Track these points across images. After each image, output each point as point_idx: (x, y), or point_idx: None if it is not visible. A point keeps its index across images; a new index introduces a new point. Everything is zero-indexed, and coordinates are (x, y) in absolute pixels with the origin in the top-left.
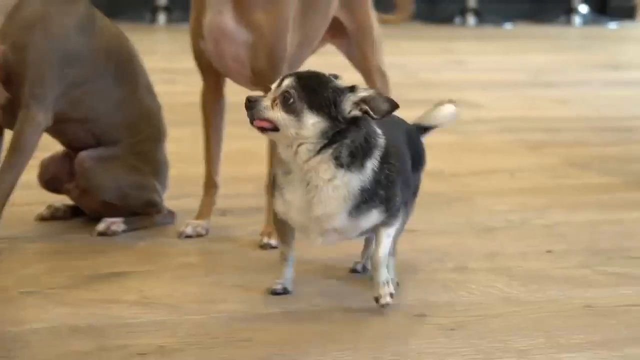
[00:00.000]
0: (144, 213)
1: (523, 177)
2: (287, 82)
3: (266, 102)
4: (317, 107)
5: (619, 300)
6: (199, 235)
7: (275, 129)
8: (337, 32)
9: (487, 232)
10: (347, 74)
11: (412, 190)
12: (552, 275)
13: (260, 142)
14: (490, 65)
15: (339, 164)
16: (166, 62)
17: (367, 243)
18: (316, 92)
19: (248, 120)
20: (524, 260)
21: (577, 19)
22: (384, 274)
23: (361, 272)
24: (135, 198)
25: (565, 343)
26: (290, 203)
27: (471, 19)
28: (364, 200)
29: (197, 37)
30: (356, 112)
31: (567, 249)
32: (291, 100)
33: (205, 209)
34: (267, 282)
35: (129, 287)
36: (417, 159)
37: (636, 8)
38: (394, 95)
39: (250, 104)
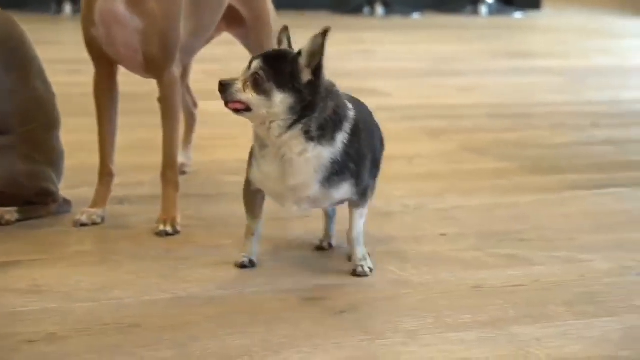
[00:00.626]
0: (39, 202)
1: (421, 164)
2: (255, 63)
3: (238, 84)
4: (283, 84)
5: (507, 281)
6: (95, 224)
7: (248, 109)
8: (233, 21)
9: (383, 217)
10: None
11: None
12: (444, 257)
13: (159, 132)
14: (397, 54)
15: (309, 138)
16: (72, 53)
17: (327, 220)
18: (280, 69)
19: (222, 102)
20: (417, 244)
21: (483, 9)
22: (361, 250)
23: (327, 249)
24: (29, 187)
25: (453, 323)
26: (267, 174)
27: (380, 9)
28: (335, 172)
29: (88, 23)
30: (309, 76)
31: (460, 232)
32: (260, 81)
33: (100, 198)
34: (160, 269)
35: (21, 276)
36: (381, 142)
37: None
38: None
39: (223, 87)
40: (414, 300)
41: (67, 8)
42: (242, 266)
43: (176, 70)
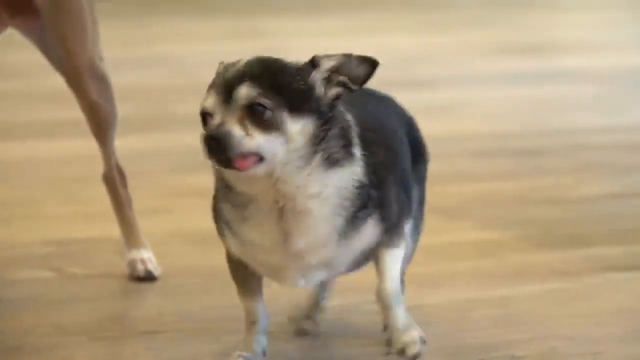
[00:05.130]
0: None
1: None
2: (245, 89)
3: (235, 130)
4: (297, 107)
5: None
6: None
7: (260, 159)
8: (19, 8)
9: None
10: None
11: (419, 196)
12: None
13: None
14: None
15: (330, 164)
16: None
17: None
18: (288, 87)
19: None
20: None
21: None
22: (402, 315)
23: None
24: None
25: None
26: (255, 243)
27: None
28: (359, 205)
29: None
30: (334, 90)
31: None
32: (266, 112)
33: None
34: None
35: None
36: (417, 151)
37: None
38: (155, 109)
39: (220, 142)
40: None
41: None
42: None
43: None
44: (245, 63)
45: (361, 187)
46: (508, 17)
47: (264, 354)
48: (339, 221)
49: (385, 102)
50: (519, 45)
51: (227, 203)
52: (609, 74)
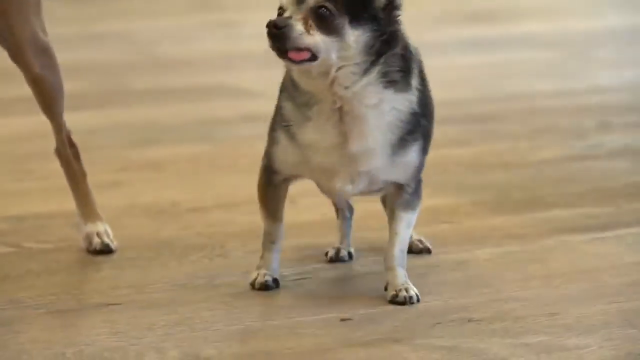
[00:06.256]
0: None
1: (313, 204)
2: None
3: (298, 25)
4: (356, 15)
5: None
6: None
7: (313, 57)
8: None
9: None
10: None
11: None
12: None
13: None
14: None
15: (388, 83)
16: None
17: (344, 222)
18: None
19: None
20: None
21: None
22: (403, 273)
23: (347, 260)
24: None
25: None
26: (314, 143)
27: None
28: (409, 129)
29: None
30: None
31: (370, 314)
32: (329, 16)
33: None
34: None
35: None
36: None
37: None
38: (110, 84)
39: (279, 32)
40: None
41: None
42: (266, 287)
43: None
44: None
45: (414, 114)
46: None
47: (278, 270)
48: (391, 137)
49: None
50: (470, 13)
51: (291, 102)
52: (562, 39)
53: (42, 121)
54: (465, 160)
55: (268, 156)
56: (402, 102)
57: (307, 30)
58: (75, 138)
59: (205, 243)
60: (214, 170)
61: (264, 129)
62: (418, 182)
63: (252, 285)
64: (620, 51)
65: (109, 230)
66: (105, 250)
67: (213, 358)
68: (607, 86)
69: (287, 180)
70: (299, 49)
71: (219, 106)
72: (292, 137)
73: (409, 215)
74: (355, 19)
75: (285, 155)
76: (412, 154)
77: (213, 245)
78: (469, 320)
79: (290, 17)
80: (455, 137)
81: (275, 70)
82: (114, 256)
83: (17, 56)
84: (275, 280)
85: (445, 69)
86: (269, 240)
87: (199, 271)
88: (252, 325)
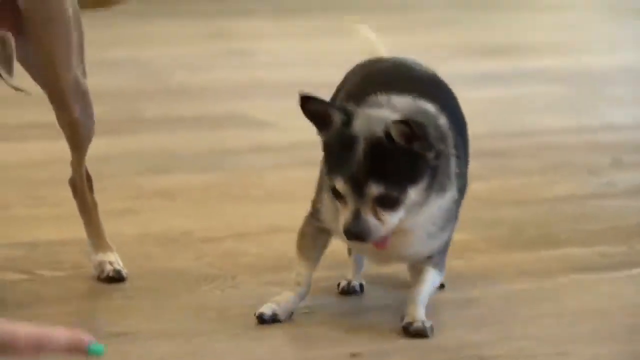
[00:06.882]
0: None
1: None
2: (374, 188)
3: (372, 221)
4: (414, 179)
5: None
6: None
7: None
8: (2, 20)
9: None
10: None
11: None
12: None
13: None
14: (291, 56)
15: (438, 192)
16: None
17: (355, 256)
18: (405, 168)
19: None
20: None
21: None
22: (422, 311)
23: (358, 293)
24: None
25: None
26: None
27: None
28: (449, 217)
29: None
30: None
31: (381, 349)
32: (394, 198)
33: None
34: None
35: None
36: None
37: None
38: (123, 112)
39: (364, 234)
40: None
41: None
42: (261, 319)
43: None
44: (364, 153)
45: (455, 201)
46: (474, 18)
47: (291, 314)
48: (431, 229)
49: (450, 92)
50: (485, 47)
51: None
52: (576, 75)
53: (54, 148)
54: (478, 196)
55: (314, 205)
56: (446, 201)
57: (379, 218)
58: (87, 165)
59: (217, 274)
60: (225, 199)
61: (274, 159)
62: (446, 245)
63: (255, 315)
64: (636, 89)
65: (119, 260)
66: (117, 277)
67: None
68: (621, 124)
69: (330, 231)
70: (384, 240)
71: (231, 135)
72: (335, 211)
73: (435, 275)
74: (414, 182)
75: (327, 216)
76: (447, 233)
77: (225, 276)
78: (481, 358)
79: (358, 212)
80: (469, 172)
81: (287, 100)
82: (125, 285)
83: (57, 101)
84: (274, 315)
85: (460, 102)
86: (296, 280)
87: (211, 302)
88: (263, 359)
